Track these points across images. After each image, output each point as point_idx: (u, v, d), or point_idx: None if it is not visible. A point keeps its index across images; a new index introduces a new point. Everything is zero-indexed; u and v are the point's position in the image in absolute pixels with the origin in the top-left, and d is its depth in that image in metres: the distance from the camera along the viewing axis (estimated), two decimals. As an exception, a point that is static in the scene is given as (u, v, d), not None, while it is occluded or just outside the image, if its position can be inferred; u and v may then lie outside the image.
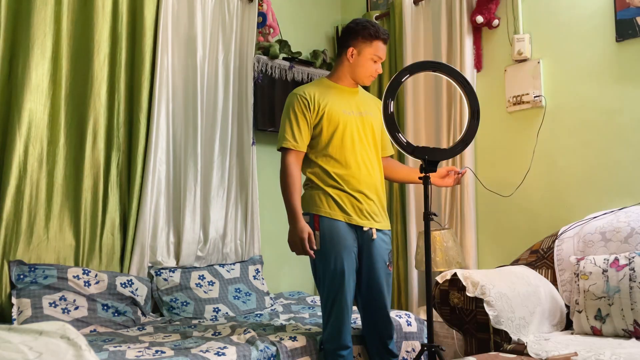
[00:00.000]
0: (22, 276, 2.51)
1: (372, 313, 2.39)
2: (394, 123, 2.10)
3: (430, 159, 2.12)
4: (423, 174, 2.14)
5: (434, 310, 2.25)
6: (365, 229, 2.32)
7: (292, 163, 2.30)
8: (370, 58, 2.34)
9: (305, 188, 2.39)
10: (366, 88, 3.62)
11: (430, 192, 2.13)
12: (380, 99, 2.20)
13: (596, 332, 2.18)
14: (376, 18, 3.74)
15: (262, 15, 3.50)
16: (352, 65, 2.37)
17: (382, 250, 2.36)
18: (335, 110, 2.34)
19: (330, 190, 2.30)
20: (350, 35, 2.36)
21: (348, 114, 2.36)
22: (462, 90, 2.20)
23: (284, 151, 2.33)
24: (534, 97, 2.97)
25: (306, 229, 2.22)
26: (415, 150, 2.11)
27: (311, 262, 2.36)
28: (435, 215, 2.13)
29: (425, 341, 2.68)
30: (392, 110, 2.11)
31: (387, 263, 2.37)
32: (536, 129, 2.96)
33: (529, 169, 2.97)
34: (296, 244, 2.23)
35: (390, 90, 2.10)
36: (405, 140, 2.10)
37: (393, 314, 2.68)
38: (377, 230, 2.35)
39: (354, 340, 2.41)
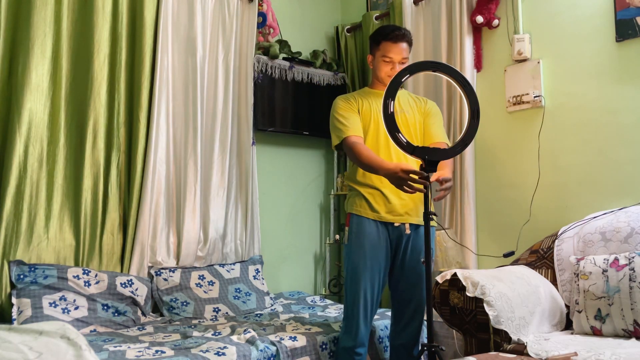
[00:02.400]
0: (22, 276, 2.51)
1: (403, 311, 2.41)
2: (394, 123, 2.10)
3: (430, 159, 2.11)
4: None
5: (434, 310, 2.25)
6: (396, 224, 2.35)
7: (355, 142, 2.32)
8: (382, 59, 2.42)
9: (348, 194, 2.46)
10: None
11: (430, 192, 2.13)
12: None
13: (596, 332, 2.18)
14: (376, 18, 3.73)
15: (262, 15, 3.50)
16: (373, 70, 2.51)
17: (418, 246, 2.36)
18: (371, 107, 2.42)
19: (364, 190, 2.36)
20: (369, 44, 2.53)
21: None
22: (462, 90, 2.20)
23: (344, 142, 2.35)
24: (534, 97, 2.96)
25: (398, 166, 2.09)
26: (415, 150, 2.11)
27: (344, 258, 2.42)
28: (435, 215, 2.13)
29: (425, 341, 2.68)
30: (392, 110, 2.11)
31: (423, 260, 2.33)
32: (536, 129, 2.96)
33: (529, 169, 2.97)
34: (401, 183, 2.08)
35: (390, 90, 2.10)
36: (405, 140, 2.10)
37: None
38: (413, 225, 2.36)
39: None
